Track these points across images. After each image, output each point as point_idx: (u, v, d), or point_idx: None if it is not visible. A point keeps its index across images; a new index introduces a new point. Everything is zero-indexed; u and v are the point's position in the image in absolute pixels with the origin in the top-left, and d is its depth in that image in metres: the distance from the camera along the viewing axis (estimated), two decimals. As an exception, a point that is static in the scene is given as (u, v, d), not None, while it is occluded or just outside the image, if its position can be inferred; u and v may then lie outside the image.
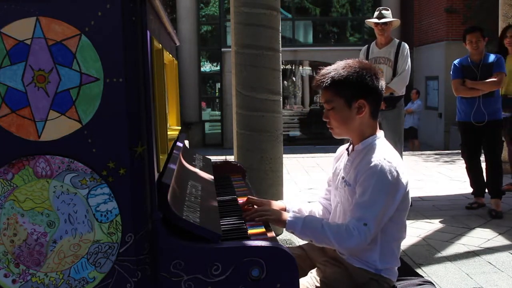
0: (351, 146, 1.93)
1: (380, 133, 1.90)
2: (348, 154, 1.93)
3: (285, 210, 2.07)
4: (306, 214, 2.10)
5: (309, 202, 2.20)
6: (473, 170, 4.90)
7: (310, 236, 1.79)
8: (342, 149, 2.06)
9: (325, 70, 1.87)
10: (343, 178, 1.91)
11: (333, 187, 2.02)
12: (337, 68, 1.84)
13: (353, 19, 18.01)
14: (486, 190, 4.91)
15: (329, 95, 1.84)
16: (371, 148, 1.83)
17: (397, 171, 1.76)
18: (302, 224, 1.78)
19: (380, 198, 1.73)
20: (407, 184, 1.81)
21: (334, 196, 2.00)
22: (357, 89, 1.81)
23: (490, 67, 4.64)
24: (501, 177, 4.85)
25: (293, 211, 2.08)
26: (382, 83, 1.87)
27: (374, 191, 1.73)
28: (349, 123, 1.84)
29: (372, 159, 1.77)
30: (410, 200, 1.88)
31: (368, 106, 1.83)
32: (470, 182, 4.98)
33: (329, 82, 1.82)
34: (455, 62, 4.85)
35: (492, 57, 4.71)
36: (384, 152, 1.80)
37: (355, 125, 1.85)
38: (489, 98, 4.67)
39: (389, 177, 1.74)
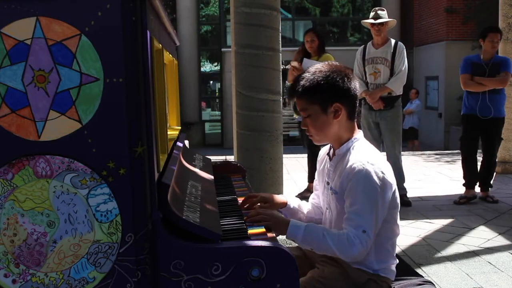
0: (332, 150, 1.93)
1: (359, 134, 1.89)
2: (330, 159, 1.93)
3: (285, 204, 2.08)
4: (305, 211, 2.11)
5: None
6: (469, 162, 5.18)
7: (311, 244, 1.78)
8: (324, 151, 2.05)
9: (296, 79, 1.87)
10: (328, 183, 1.91)
11: (320, 192, 2.02)
12: (306, 75, 1.84)
13: (353, 19, 18.00)
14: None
15: (303, 103, 1.84)
16: (351, 152, 1.83)
17: (382, 172, 1.76)
18: (303, 233, 1.76)
19: (371, 203, 1.72)
20: (393, 182, 1.81)
21: (322, 201, 2.01)
22: (329, 93, 1.80)
23: (498, 66, 4.97)
24: (493, 174, 5.29)
25: (294, 207, 2.09)
26: (355, 84, 1.85)
27: (364, 197, 1.72)
28: (327, 128, 1.84)
29: (355, 164, 1.75)
30: (398, 197, 1.87)
31: (343, 108, 1.82)
32: (464, 173, 5.24)
33: (300, 90, 1.82)
34: (466, 58, 5.19)
35: (500, 58, 5.12)
36: (365, 155, 1.79)
37: (334, 130, 1.84)
38: (495, 95, 5.00)
39: (376, 180, 1.73)
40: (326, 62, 1.89)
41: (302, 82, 1.82)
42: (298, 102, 1.86)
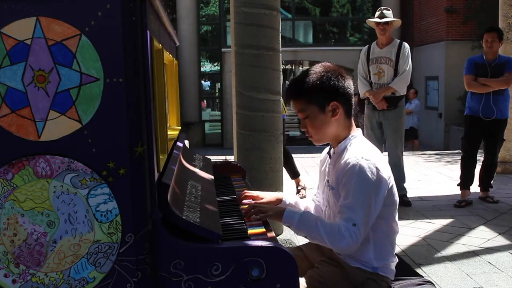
0: (332, 149, 1.94)
1: (357, 132, 1.91)
2: (330, 158, 1.95)
3: (281, 200, 2.11)
4: (302, 209, 2.12)
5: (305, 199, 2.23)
6: (468, 162, 5.13)
7: (304, 231, 1.80)
8: (325, 152, 2.07)
9: (292, 81, 1.91)
10: (327, 181, 1.92)
11: (321, 191, 2.05)
12: (302, 77, 1.87)
13: (353, 19, 17.98)
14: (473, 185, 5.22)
15: (301, 104, 1.86)
16: (348, 148, 1.85)
17: (376, 168, 1.76)
18: (298, 219, 1.80)
19: (364, 197, 1.74)
20: (389, 179, 1.81)
21: (322, 200, 2.03)
22: (325, 92, 1.83)
23: (502, 67, 4.90)
24: (493, 174, 5.28)
25: (290, 203, 2.11)
26: (349, 82, 1.88)
27: (357, 191, 1.74)
28: (326, 127, 1.86)
29: (349, 160, 1.77)
30: (396, 194, 1.87)
31: (341, 106, 1.84)
32: (461, 173, 5.17)
33: (297, 92, 1.85)
34: (470, 58, 5.13)
35: (504, 58, 5.02)
36: (361, 151, 1.81)
37: (332, 129, 1.86)
38: (499, 96, 4.94)
39: (369, 175, 1.75)
40: (321, 64, 1.91)
41: (298, 84, 1.86)
42: (295, 104, 1.88)
